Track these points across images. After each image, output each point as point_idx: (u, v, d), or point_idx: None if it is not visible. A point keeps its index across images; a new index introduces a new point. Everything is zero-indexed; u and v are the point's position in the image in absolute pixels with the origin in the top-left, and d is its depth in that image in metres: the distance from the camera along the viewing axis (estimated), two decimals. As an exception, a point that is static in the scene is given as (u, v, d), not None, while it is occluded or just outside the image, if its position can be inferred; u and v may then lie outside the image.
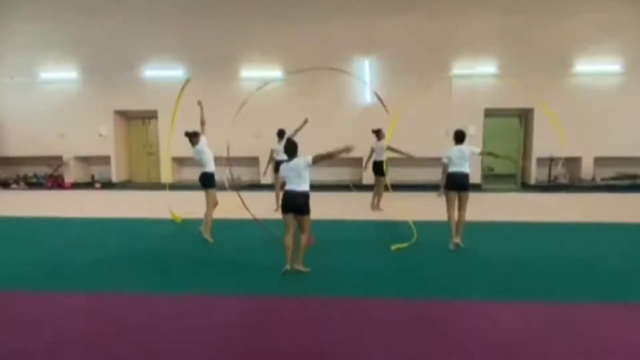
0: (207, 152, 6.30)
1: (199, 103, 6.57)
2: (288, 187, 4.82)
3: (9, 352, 3.28)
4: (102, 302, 4.21)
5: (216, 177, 6.46)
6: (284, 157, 8.21)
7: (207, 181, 6.28)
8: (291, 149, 4.87)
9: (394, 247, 5.77)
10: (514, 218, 8.04)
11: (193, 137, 6.25)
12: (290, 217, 4.85)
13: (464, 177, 5.85)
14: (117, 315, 3.91)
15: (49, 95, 12.76)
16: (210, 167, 6.30)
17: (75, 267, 5.22)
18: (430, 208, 8.22)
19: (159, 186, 12.16)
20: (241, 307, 4.05)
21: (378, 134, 8.59)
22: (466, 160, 5.86)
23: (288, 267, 4.87)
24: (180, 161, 13.15)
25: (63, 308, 4.09)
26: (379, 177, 8.55)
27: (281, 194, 8.42)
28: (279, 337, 3.50)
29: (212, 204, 6.29)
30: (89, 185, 12.98)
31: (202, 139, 6.30)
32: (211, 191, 6.29)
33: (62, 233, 7.06)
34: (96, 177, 13.28)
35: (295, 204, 4.76)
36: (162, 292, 4.43)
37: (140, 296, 4.35)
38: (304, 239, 4.89)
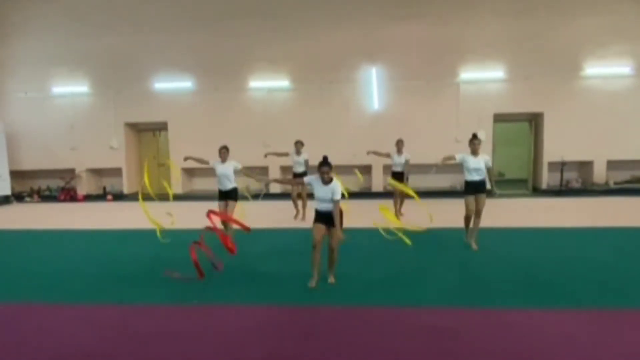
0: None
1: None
2: (321, 208, 4.76)
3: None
4: (112, 313, 4.23)
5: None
6: (300, 169, 8.33)
7: (237, 195, 6.62)
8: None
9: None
10: (527, 224, 7.95)
11: (227, 151, 6.55)
12: (322, 228, 4.75)
13: (481, 183, 6.14)
14: (128, 326, 3.92)
15: (61, 109, 12.97)
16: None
17: (87, 279, 5.26)
18: (443, 214, 8.17)
19: (170, 197, 12.22)
20: (254, 317, 4.04)
21: (399, 146, 8.50)
22: (483, 170, 6.13)
23: (313, 283, 4.76)
24: (190, 172, 13.25)
25: (75, 319, 4.12)
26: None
27: (299, 201, 8.51)
28: (292, 346, 3.48)
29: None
30: (101, 197, 13.11)
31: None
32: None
33: (73, 245, 7.13)
34: (108, 189, 13.43)
35: (328, 218, 4.72)
36: (173, 303, 4.44)
37: (151, 307, 4.37)
38: (332, 255, 4.81)
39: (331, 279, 4.87)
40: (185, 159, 7.05)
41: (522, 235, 7.10)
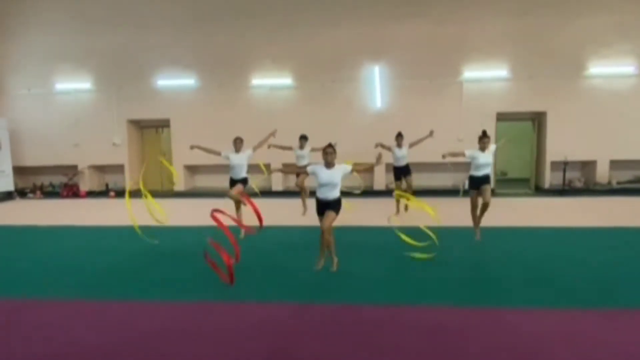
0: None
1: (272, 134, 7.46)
2: (321, 195, 4.88)
3: (22, 358, 3.33)
4: (117, 310, 4.24)
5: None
6: (304, 162, 8.47)
7: (247, 183, 7.00)
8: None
9: (414, 255, 5.63)
10: (529, 223, 7.93)
11: (241, 142, 6.86)
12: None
13: (486, 177, 6.42)
14: (134, 323, 3.94)
15: (64, 106, 13.00)
16: None
17: (89, 275, 5.28)
18: (446, 214, 8.14)
19: (172, 194, 12.27)
20: (257, 314, 4.05)
21: (398, 139, 8.58)
22: (491, 164, 6.44)
23: (319, 266, 5.10)
24: (192, 169, 13.27)
25: (76, 315, 4.13)
26: (400, 182, 8.67)
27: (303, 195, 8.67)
28: (294, 343, 3.49)
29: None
30: (103, 193, 13.14)
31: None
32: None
33: (76, 241, 7.16)
34: (110, 186, 13.46)
35: (328, 205, 4.90)
36: (176, 300, 4.46)
37: (153, 304, 4.38)
38: (328, 238, 4.99)
39: (333, 267, 5.05)
40: (192, 147, 7.00)
41: (524, 234, 7.09)
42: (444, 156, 6.57)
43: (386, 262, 5.55)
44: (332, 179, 4.76)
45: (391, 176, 9.35)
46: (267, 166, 6.63)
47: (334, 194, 4.83)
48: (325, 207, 4.91)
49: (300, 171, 6.59)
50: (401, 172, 8.64)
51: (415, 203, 6.26)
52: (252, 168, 8.72)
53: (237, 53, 12.25)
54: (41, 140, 13.03)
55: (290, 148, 8.82)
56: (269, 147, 9.15)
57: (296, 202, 9.13)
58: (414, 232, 5.72)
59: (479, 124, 11.17)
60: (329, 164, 4.80)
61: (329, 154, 4.77)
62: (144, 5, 12.39)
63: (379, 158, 5.04)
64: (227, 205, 6.83)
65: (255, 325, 3.81)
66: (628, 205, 9.62)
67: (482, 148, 6.31)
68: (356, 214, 8.61)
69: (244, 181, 6.88)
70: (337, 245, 5.26)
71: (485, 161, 6.29)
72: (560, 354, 3.25)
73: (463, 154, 6.44)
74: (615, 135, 11.32)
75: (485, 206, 6.38)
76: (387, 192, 11.38)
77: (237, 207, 6.89)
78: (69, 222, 8.79)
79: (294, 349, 3.41)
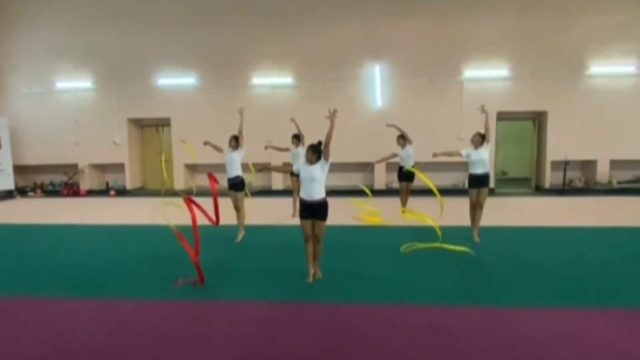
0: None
1: (240, 112, 6.81)
2: (304, 194, 4.79)
3: (21, 357, 3.33)
4: (115, 309, 4.25)
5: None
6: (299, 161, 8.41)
7: (243, 185, 6.78)
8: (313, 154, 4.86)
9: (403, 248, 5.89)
10: (529, 222, 7.93)
11: (237, 140, 6.72)
12: (309, 224, 4.81)
13: (485, 176, 6.46)
14: (131, 322, 3.94)
15: (64, 105, 12.99)
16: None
17: (89, 274, 5.28)
18: (446, 213, 8.14)
19: (172, 193, 12.25)
20: (257, 314, 4.05)
21: (399, 140, 8.52)
22: (486, 162, 6.44)
23: (310, 279, 4.87)
24: (193, 168, 13.27)
25: (76, 313, 4.14)
26: (407, 183, 8.60)
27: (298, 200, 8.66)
28: (293, 344, 3.49)
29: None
30: (103, 192, 13.15)
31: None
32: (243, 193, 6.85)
33: (76, 240, 7.16)
34: (111, 185, 13.46)
35: (313, 209, 4.75)
36: (175, 299, 4.46)
37: (154, 302, 4.38)
38: (318, 247, 4.88)
39: (318, 274, 4.94)
40: (205, 143, 7.20)
41: (524, 234, 7.09)
42: (435, 155, 6.67)
43: (385, 262, 5.55)
44: (311, 173, 4.73)
45: (391, 176, 9.34)
46: (255, 165, 6.51)
47: (318, 192, 4.73)
48: (311, 212, 4.76)
49: (287, 169, 6.48)
50: (404, 173, 8.58)
51: (411, 216, 6.37)
52: (244, 167, 8.78)
53: (238, 52, 12.24)
54: (42, 139, 13.04)
55: (287, 149, 8.77)
56: (266, 148, 9.20)
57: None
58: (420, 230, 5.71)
59: (479, 123, 11.17)
60: (310, 163, 4.81)
61: (309, 160, 4.78)
62: (145, 4, 12.38)
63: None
64: (226, 205, 6.84)
65: (251, 324, 3.81)
66: (628, 205, 9.61)
67: (475, 145, 6.41)
68: (355, 213, 8.62)
69: (235, 184, 6.72)
70: (335, 245, 5.24)
71: (478, 158, 6.33)
72: (561, 354, 3.25)
73: (459, 154, 6.54)
74: (616, 135, 11.32)
75: (479, 205, 6.47)
76: (387, 192, 11.39)
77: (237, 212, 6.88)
78: (69, 221, 8.79)
79: (290, 348, 3.41)
